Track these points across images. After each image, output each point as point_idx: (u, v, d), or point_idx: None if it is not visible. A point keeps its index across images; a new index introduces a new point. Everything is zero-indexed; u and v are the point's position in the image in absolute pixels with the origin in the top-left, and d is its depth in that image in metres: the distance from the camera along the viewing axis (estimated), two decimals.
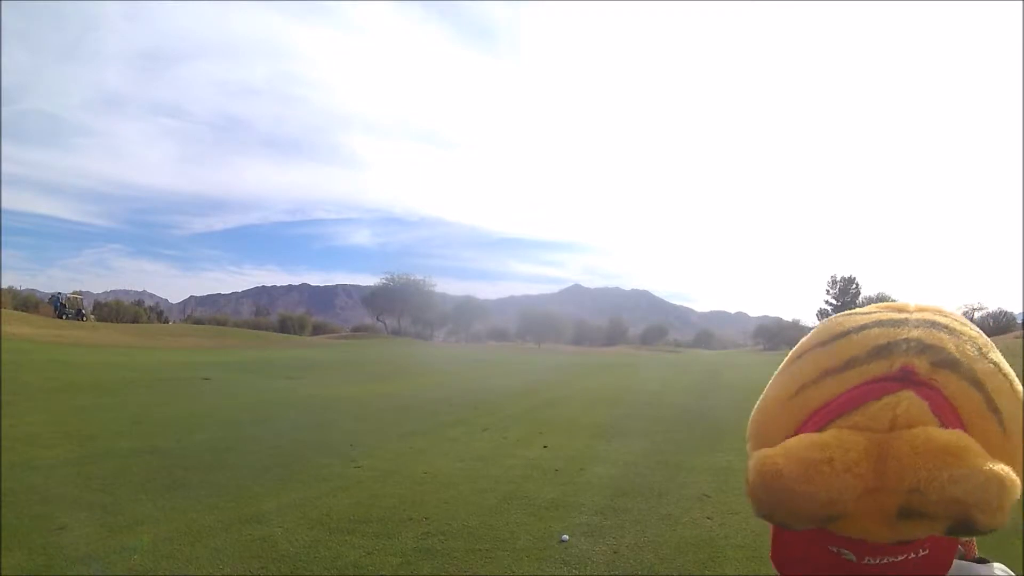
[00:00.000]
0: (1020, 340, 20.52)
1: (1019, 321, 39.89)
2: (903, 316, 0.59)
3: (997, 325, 41.29)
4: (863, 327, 0.59)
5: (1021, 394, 0.57)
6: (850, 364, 0.56)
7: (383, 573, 3.29)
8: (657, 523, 4.13)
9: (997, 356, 0.58)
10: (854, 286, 56.33)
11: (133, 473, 5.19)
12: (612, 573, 3.34)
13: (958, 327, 0.58)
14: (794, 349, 0.64)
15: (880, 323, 0.59)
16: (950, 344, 0.55)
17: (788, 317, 70.75)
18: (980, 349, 0.57)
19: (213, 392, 11.69)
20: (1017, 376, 0.57)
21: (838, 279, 57.31)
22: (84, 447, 6.15)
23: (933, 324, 0.57)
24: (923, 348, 0.55)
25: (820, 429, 0.54)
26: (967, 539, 0.65)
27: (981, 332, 0.60)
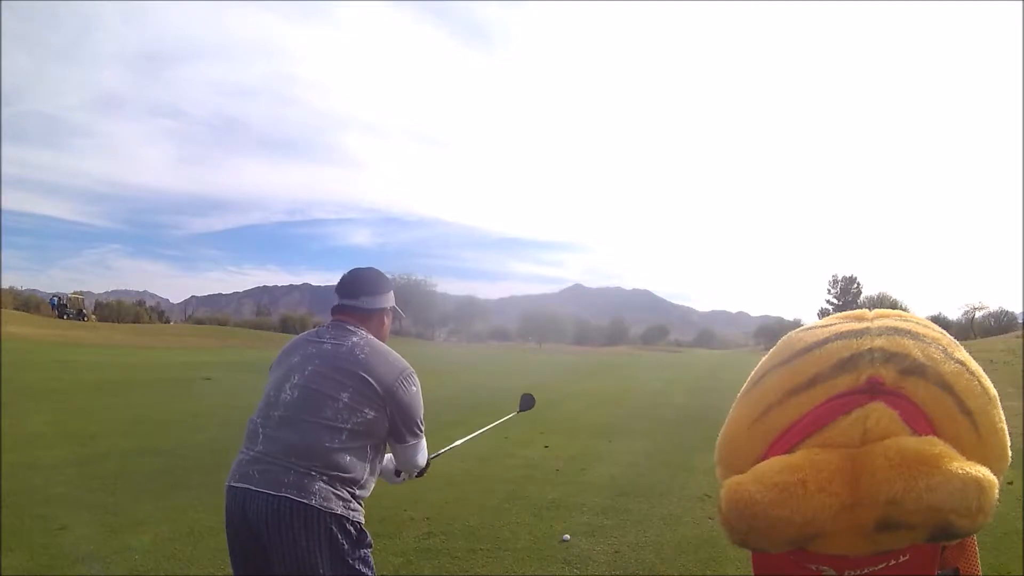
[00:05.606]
0: (1020, 340, 20.45)
1: (1020, 321, 39.81)
2: (863, 325, 0.59)
3: (998, 324, 41.23)
4: (824, 341, 0.58)
5: (991, 391, 0.57)
6: (815, 380, 0.56)
7: (384, 573, 3.29)
8: (658, 523, 4.13)
9: (963, 354, 0.58)
10: (855, 286, 56.32)
11: (134, 473, 5.19)
12: (613, 573, 3.34)
13: (920, 330, 0.58)
14: (755, 370, 0.63)
15: (841, 335, 0.58)
16: (915, 350, 0.55)
17: (789, 317, 70.78)
18: (945, 350, 0.56)
19: (214, 392, 11.70)
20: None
21: (839, 279, 57.33)
22: (85, 447, 6.16)
23: (895, 330, 0.57)
24: (888, 357, 0.55)
25: (790, 450, 0.54)
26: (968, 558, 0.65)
27: (944, 332, 0.60)
